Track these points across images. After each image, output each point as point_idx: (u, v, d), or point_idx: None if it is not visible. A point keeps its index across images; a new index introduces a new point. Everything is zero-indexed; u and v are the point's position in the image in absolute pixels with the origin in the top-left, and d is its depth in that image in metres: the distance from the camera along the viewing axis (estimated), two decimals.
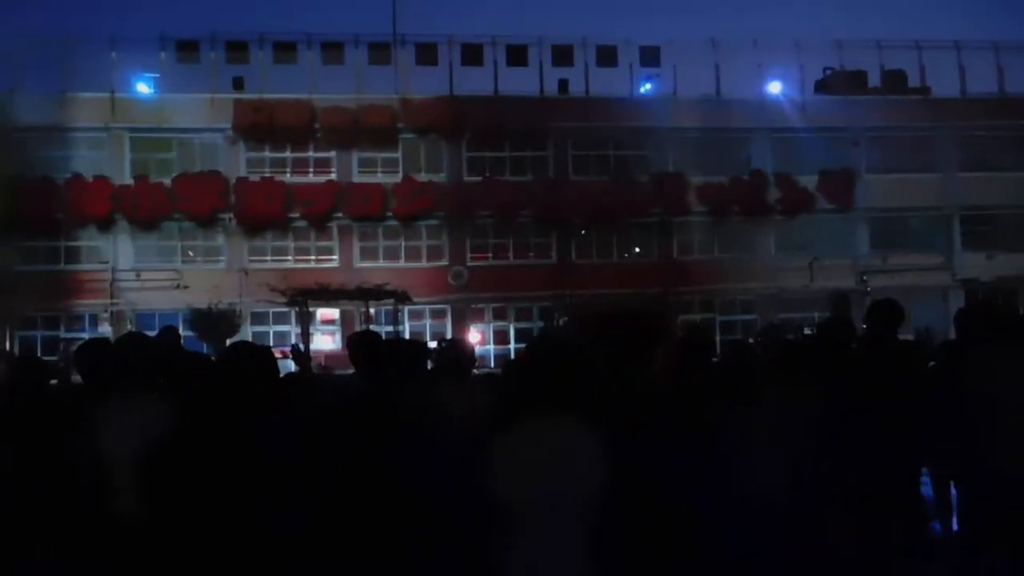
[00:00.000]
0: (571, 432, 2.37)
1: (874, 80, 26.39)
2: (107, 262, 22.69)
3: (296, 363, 4.39)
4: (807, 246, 23.54)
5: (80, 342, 3.44)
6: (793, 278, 22.57)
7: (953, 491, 4.37)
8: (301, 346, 16.05)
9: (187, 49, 23.20)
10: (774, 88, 25.71)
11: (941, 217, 24.78)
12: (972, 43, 25.34)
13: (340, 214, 23.42)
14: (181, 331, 20.43)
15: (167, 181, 22.67)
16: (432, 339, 21.95)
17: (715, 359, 4.12)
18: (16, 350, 20.65)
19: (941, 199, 24.36)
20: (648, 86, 25.37)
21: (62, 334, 21.91)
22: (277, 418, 2.53)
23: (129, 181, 22.69)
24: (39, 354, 17.20)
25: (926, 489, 4.78)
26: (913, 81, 26.18)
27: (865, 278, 22.39)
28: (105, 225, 22.67)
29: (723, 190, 23.83)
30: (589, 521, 2.29)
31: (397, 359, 2.82)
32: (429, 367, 3.93)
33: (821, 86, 26.78)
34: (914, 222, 24.48)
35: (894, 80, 26.08)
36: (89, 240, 22.96)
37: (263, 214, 22.92)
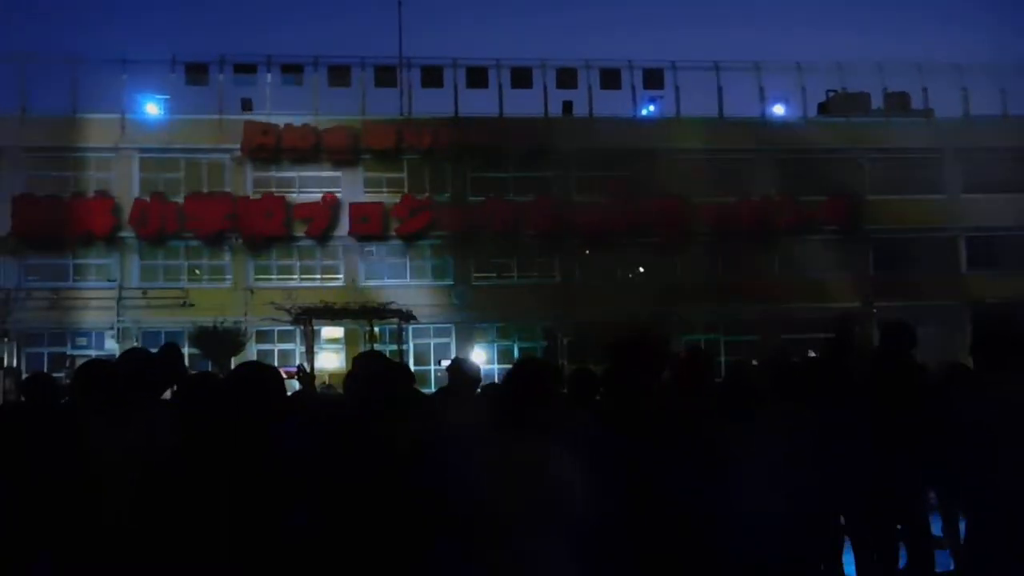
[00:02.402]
0: (548, 447, 2.47)
1: (877, 102, 26.55)
2: (114, 280, 22.84)
3: (300, 383, 4.43)
4: (812, 267, 23.53)
5: (82, 362, 3.47)
6: (798, 299, 22.53)
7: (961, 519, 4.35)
8: (307, 366, 16.11)
9: (196, 71, 23.54)
10: (777, 110, 25.89)
11: (947, 238, 24.76)
12: (974, 65, 25.52)
13: (344, 234, 23.57)
14: (186, 349, 20.39)
15: (175, 200, 22.89)
16: (437, 359, 21.97)
17: (718, 380, 4.15)
18: (23, 366, 20.75)
19: (946, 220, 24.36)
20: (651, 108, 25.57)
21: (68, 351, 22.01)
22: (285, 428, 2.58)
23: (138, 199, 22.90)
24: (46, 370, 17.34)
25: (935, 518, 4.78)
26: (916, 103, 26.33)
27: (871, 299, 22.32)
28: (111, 241, 22.86)
29: (728, 211, 23.88)
30: (574, 530, 2.37)
31: (382, 382, 2.86)
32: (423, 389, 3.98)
33: (824, 108, 26.94)
34: (920, 243, 24.44)
35: (897, 102, 26.22)
36: (97, 258, 23.15)
37: (266, 231, 23.08)
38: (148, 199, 22.80)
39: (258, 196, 23.36)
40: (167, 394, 3.69)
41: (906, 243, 24.32)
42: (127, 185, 23.04)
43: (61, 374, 16.46)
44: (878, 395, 4.26)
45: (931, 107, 26.01)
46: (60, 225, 22.23)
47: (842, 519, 4.38)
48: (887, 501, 4.19)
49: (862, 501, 4.13)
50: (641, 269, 24.88)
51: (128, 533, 2.39)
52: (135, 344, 20.75)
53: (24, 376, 15.62)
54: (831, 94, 26.83)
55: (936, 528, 4.75)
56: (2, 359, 20.97)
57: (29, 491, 2.74)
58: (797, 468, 3.29)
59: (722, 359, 20.42)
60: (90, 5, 73.69)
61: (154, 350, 4.28)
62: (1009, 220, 24.01)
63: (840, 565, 4.32)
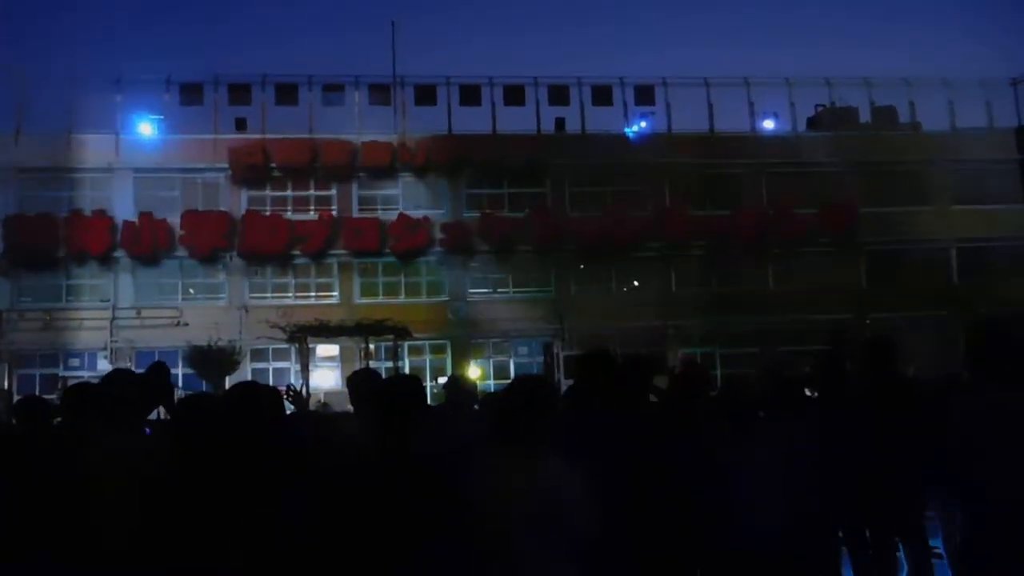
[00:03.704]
0: (546, 460, 2.49)
1: (865, 116, 26.85)
2: (108, 300, 22.74)
3: (293, 404, 4.41)
4: (806, 279, 23.66)
5: (72, 384, 3.44)
6: (793, 310, 22.61)
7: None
8: (297, 385, 15.98)
9: (191, 91, 23.64)
10: (767, 125, 26.16)
11: (937, 249, 24.93)
12: (960, 79, 25.89)
13: (340, 250, 23.58)
14: (180, 368, 20.22)
15: (170, 219, 22.89)
16: (433, 376, 21.91)
17: (713, 393, 4.18)
18: (14, 388, 20.59)
19: (937, 231, 24.55)
20: (643, 124, 25.79)
21: (61, 371, 21.86)
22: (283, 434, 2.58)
23: (132, 219, 22.88)
24: (37, 391, 17.22)
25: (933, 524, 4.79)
26: (903, 117, 26.64)
27: (864, 310, 22.42)
28: (105, 261, 22.80)
29: (722, 223, 24.00)
30: (573, 538, 2.40)
31: (397, 398, 2.86)
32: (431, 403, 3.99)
33: (813, 122, 27.22)
34: (911, 254, 24.60)
35: (885, 116, 26.53)
36: (91, 278, 23.06)
37: (266, 249, 23.08)
38: (136, 221, 22.73)
39: (254, 214, 23.39)
40: (154, 414, 3.68)
41: (898, 254, 24.48)
42: (122, 204, 23.04)
43: (53, 396, 16.33)
44: (876, 400, 4.31)
45: (918, 120, 26.33)
46: (54, 244, 22.19)
47: (840, 532, 4.39)
48: (886, 502, 4.20)
49: (862, 502, 4.15)
50: (636, 283, 24.96)
51: (121, 550, 2.38)
52: (128, 365, 20.64)
53: (16, 398, 15.49)
54: (820, 108, 27.12)
55: (934, 540, 4.76)
56: (5, 383, 20.81)
57: (21, 510, 2.73)
58: (796, 468, 3.32)
59: (718, 371, 20.47)
60: (86, 26, 74.12)
61: (141, 370, 4.27)
62: (998, 231, 24.24)
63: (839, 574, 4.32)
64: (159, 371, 4.46)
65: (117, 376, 3.32)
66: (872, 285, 24.41)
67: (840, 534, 4.41)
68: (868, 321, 21.43)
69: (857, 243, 24.64)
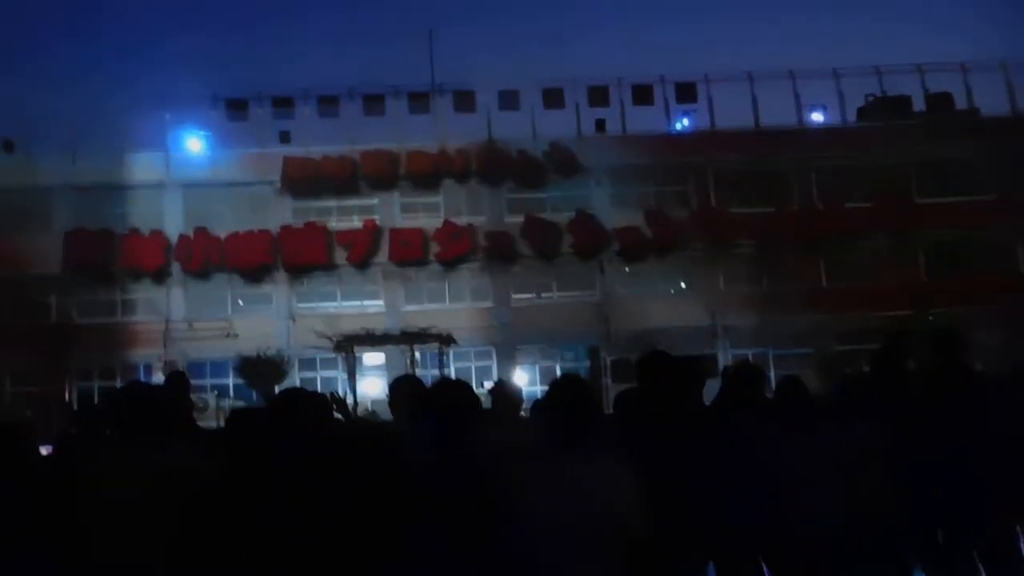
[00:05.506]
0: (598, 465, 2.40)
1: (919, 104, 25.83)
2: (161, 313, 23.45)
3: (338, 411, 4.38)
4: (861, 274, 22.85)
5: (114, 395, 3.43)
6: (848, 308, 21.84)
7: None
8: (340, 392, 16.12)
9: (236, 107, 24.28)
10: (815, 117, 25.42)
11: (1000, 239, 23.79)
12: (1020, 62, 24.68)
13: (383, 260, 23.82)
14: (231, 379, 20.58)
15: (219, 233, 23.49)
16: (479, 382, 21.89)
17: (769, 395, 3.98)
18: (74, 401, 21.36)
19: (999, 220, 23.40)
20: (686, 122, 25.35)
21: (118, 384, 22.60)
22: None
23: (184, 232, 23.56)
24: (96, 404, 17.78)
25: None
26: (960, 103, 25.52)
27: (926, 305, 21.51)
28: (160, 277, 23.53)
29: (770, 220, 23.40)
30: (614, 544, 2.29)
31: (441, 408, 2.77)
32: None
33: (863, 113, 26.33)
34: (972, 245, 23.52)
35: (940, 103, 25.44)
36: (145, 292, 23.83)
37: (306, 259, 23.48)
38: (191, 234, 23.44)
39: (299, 225, 23.82)
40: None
41: (960, 246, 23.44)
42: (173, 219, 23.76)
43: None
44: (943, 397, 4.04)
45: (976, 106, 25.19)
46: (110, 260, 23.01)
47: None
48: (959, 508, 3.91)
49: (933, 507, 3.87)
50: (683, 283, 24.50)
51: (150, 562, 2.36)
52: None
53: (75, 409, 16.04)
54: (870, 98, 26.21)
55: None
56: (66, 396, 21.66)
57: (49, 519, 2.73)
58: (856, 471, 3.17)
59: (771, 372, 19.88)
60: (132, 43, 77.01)
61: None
62: None
63: None
64: (176, 381, 4.48)
65: (131, 391, 3.28)
66: (933, 279, 23.41)
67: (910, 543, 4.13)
68: (931, 316, 20.53)
69: (915, 236, 23.67)
